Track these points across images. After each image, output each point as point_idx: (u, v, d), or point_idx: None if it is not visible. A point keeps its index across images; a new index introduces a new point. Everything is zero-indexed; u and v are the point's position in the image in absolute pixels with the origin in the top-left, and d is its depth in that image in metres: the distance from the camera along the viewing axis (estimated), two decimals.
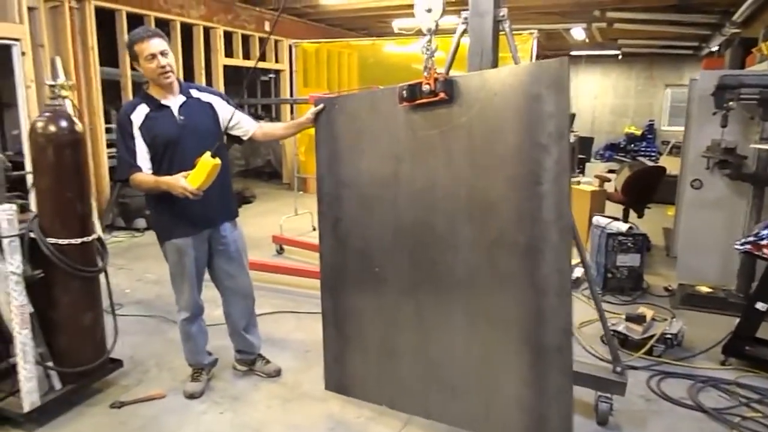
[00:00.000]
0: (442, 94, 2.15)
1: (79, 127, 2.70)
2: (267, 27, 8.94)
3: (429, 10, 2.22)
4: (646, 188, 5.75)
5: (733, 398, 2.90)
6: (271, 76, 10.34)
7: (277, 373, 3.10)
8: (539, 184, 1.97)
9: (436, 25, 2.23)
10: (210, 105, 2.74)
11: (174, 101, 2.66)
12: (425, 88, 2.17)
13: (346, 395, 2.70)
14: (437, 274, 2.26)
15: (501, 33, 2.52)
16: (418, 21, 2.25)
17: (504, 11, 2.47)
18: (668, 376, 3.11)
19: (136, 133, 2.57)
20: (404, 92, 2.23)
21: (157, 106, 2.62)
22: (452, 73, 2.34)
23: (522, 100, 2.00)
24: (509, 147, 2.05)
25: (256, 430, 2.62)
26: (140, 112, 2.59)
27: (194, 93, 2.73)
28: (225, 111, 2.74)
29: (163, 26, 6.85)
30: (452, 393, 2.30)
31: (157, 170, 2.59)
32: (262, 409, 2.79)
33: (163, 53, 2.54)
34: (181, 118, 2.64)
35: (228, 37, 8.21)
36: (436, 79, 2.15)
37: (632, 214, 5.70)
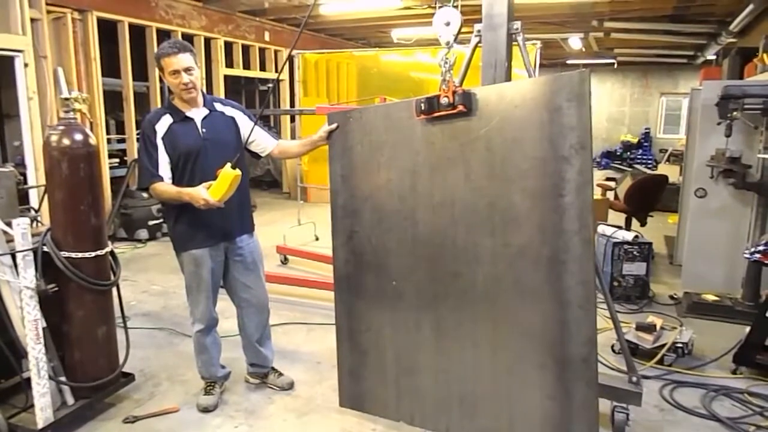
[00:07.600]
0: (460, 107, 2.15)
1: (93, 140, 2.70)
2: (267, 37, 8.97)
3: (448, 24, 2.24)
4: (649, 197, 5.78)
5: (746, 407, 2.91)
6: (269, 86, 10.36)
7: (290, 385, 3.07)
8: (562, 196, 1.98)
9: (455, 38, 2.25)
10: (233, 119, 2.76)
11: (197, 113, 2.67)
12: (444, 100, 2.18)
13: (362, 411, 2.67)
14: (458, 287, 2.25)
15: (513, 44, 2.54)
16: (437, 34, 2.27)
17: (518, 24, 2.48)
18: (680, 386, 3.12)
19: (159, 143, 2.58)
20: (422, 105, 2.24)
21: (181, 118, 2.63)
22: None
23: (544, 112, 2.01)
24: (530, 159, 2.05)
25: None
26: (164, 123, 2.61)
27: (218, 106, 2.75)
28: (246, 126, 2.76)
29: (165, 37, 6.85)
30: (474, 408, 2.29)
31: (178, 181, 2.60)
32: (277, 422, 2.77)
33: (187, 70, 2.55)
34: (204, 130, 2.65)
35: (228, 47, 8.23)
36: (454, 92, 2.16)
37: (634, 223, 5.74)
